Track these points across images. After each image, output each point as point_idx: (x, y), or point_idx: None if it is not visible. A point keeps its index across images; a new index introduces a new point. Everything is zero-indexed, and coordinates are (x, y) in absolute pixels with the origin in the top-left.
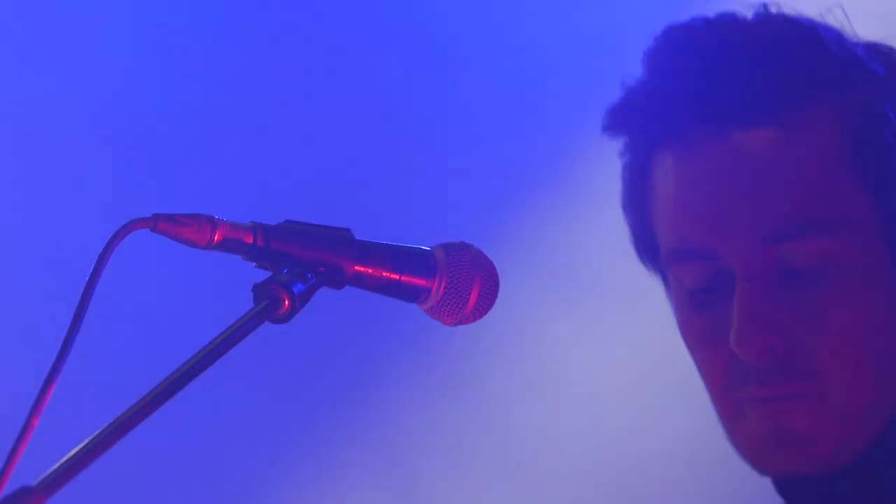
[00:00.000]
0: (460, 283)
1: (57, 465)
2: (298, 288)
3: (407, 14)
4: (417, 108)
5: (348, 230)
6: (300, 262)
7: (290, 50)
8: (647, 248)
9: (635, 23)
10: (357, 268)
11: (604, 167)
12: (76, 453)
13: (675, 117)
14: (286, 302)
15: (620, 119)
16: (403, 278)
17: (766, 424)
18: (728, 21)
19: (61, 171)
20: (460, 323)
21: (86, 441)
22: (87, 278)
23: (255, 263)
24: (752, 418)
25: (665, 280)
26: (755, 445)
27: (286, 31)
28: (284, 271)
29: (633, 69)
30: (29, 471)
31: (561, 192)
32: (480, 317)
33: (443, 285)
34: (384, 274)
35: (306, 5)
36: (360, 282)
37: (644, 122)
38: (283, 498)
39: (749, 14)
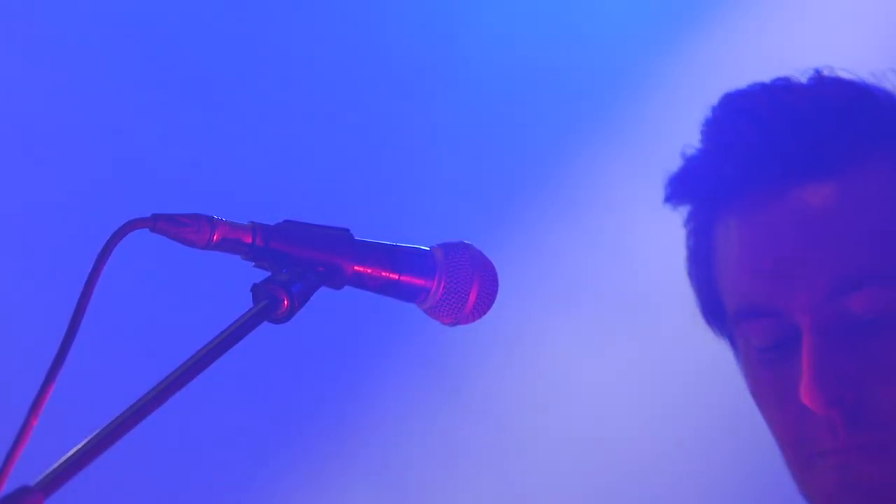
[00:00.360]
0: (459, 282)
1: (56, 464)
2: (297, 288)
3: (406, 14)
4: (417, 108)
5: (347, 230)
6: (299, 261)
7: (290, 49)
8: (714, 312)
9: (634, 25)
10: (356, 268)
11: (605, 171)
12: (75, 453)
13: (736, 182)
14: (285, 302)
15: (682, 189)
16: (402, 278)
17: (839, 476)
18: (783, 85)
19: (61, 171)
20: (459, 323)
21: (85, 441)
22: (86, 278)
23: (254, 263)
24: (824, 470)
25: (733, 343)
26: (828, 497)
27: (286, 30)
28: (283, 271)
29: (632, 73)
30: (28, 470)
31: (561, 193)
32: (479, 317)
33: (442, 285)
34: (383, 274)
35: (306, 5)
36: (359, 282)
37: (706, 190)
38: (281, 497)
39: (803, 78)
